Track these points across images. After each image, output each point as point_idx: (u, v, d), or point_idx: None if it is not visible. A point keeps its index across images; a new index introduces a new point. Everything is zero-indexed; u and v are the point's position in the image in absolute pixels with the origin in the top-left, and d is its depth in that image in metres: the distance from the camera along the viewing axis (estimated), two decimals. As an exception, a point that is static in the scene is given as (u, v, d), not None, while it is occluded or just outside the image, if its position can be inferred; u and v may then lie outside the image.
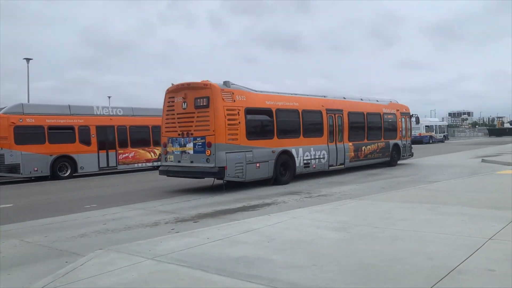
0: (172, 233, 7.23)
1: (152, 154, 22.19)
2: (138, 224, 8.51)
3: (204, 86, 12.35)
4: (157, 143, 22.22)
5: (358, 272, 4.56)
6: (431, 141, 49.24)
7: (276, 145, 13.74)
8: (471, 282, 4.14)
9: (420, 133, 48.27)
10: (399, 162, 19.93)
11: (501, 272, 4.40)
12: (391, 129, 19.93)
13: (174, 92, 13.08)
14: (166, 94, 13.40)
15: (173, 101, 13.09)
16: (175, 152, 12.91)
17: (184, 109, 12.71)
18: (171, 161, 13.11)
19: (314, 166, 15.31)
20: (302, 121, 14.97)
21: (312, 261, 5.00)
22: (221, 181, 13.09)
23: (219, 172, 12.00)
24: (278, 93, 14.85)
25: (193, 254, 5.47)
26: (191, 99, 12.51)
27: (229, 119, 12.21)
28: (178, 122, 12.88)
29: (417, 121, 22.66)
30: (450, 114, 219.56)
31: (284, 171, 14.04)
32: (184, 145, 12.66)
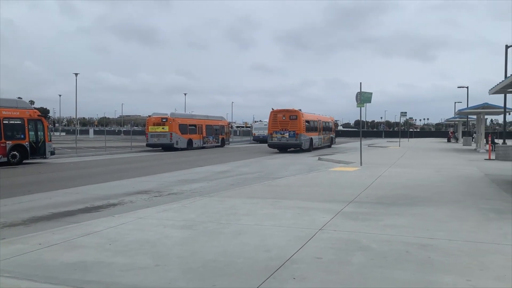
0: (-4, 241, 6.32)
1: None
2: (-48, 232, 7.23)
3: (295, 111, 29.89)
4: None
5: (200, 269, 4.61)
6: (278, 141, 52.99)
7: (309, 135, 31.24)
8: (302, 271, 4.53)
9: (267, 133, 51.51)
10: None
11: (327, 259, 4.92)
12: (330, 129, 39.52)
13: (277, 112, 30.08)
14: (272, 112, 30.22)
15: (276, 116, 29.96)
16: (278, 137, 29.71)
17: (283, 119, 29.64)
18: (275, 141, 29.93)
19: (316, 145, 33.31)
20: (313, 125, 33.03)
21: (155, 262, 4.88)
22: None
23: (300, 145, 29.29)
24: (308, 112, 32.79)
25: (20, 263, 4.86)
26: (287, 115, 29.62)
27: (303, 124, 29.68)
28: (280, 124, 29.74)
29: (336, 126, 38.79)
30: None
31: (310, 146, 31.53)
32: (283, 134, 29.47)
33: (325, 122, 37.29)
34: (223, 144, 41.37)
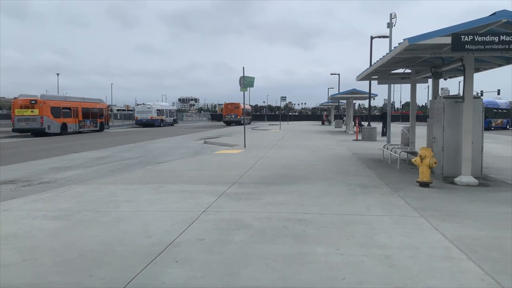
0: None
1: None
2: None
3: (238, 103, 57.00)
4: None
5: (76, 260, 4.33)
6: (162, 124, 51.65)
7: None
8: (185, 253, 4.53)
9: (152, 117, 50.03)
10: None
11: (210, 240, 4.99)
12: (250, 113, 70.23)
13: (228, 104, 59.57)
14: (225, 104, 61.32)
15: (227, 106, 59.51)
16: (228, 117, 58.07)
17: (231, 107, 58.64)
18: (227, 119, 57.99)
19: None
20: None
21: (23, 256, 4.46)
22: None
23: (240, 121, 54.80)
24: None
25: None
26: (233, 106, 58.38)
27: (241, 110, 54.38)
28: (229, 110, 58.62)
29: (253, 111, 56.17)
30: (180, 100, 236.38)
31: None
32: (231, 115, 58.02)
33: (249, 110, 63.36)
34: (102, 128, 39.11)
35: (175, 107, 69.83)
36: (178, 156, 16.43)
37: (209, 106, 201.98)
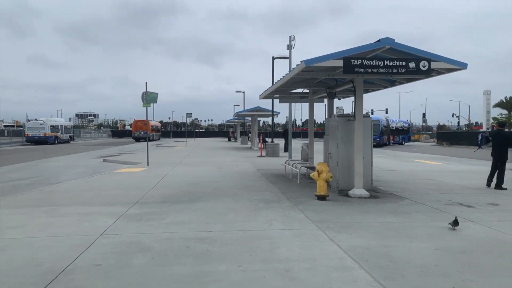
0: None
1: None
2: None
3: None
4: None
5: None
6: (56, 142, 47.94)
7: (152, 133, 60.75)
8: (78, 281, 4.23)
9: (45, 133, 46.34)
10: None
11: (107, 265, 4.72)
12: (159, 129, 74.88)
13: (138, 121, 59.27)
14: (135, 120, 61.74)
15: (137, 122, 59.58)
16: (138, 133, 58.35)
17: (140, 124, 57.93)
18: (137, 135, 58.41)
19: (154, 138, 63.97)
20: (154, 128, 65.25)
21: None
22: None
23: (150, 138, 50.57)
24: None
25: None
26: (143, 122, 56.37)
27: (150, 127, 52.74)
28: (140, 127, 58.28)
29: (161, 128, 61.31)
30: (77, 115, 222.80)
31: (159, 138, 68.65)
32: (141, 132, 57.79)
33: (158, 126, 69.53)
34: (-14, 146, 35.26)
35: (71, 123, 65.62)
36: (73, 175, 15.38)
37: (109, 122, 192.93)
